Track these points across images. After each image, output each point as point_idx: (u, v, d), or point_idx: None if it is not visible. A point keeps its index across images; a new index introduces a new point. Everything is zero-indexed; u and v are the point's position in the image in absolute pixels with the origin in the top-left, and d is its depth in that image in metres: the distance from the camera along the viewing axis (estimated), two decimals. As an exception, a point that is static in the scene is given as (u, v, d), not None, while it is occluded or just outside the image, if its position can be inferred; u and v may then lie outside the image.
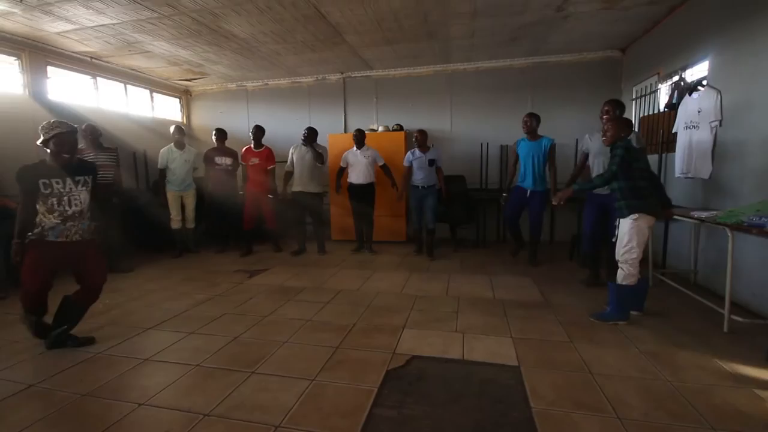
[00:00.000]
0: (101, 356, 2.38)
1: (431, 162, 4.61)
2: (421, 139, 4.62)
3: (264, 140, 5.15)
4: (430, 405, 1.83)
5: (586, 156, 3.67)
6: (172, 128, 5.00)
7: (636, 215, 2.59)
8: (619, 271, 2.69)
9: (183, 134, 5.03)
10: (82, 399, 1.92)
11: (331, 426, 1.68)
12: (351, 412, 1.77)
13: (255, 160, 5.02)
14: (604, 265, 3.52)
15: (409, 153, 4.75)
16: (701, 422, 1.68)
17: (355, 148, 4.93)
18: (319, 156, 4.80)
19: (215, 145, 5.25)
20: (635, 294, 2.73)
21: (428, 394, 1.91)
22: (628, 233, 2.62)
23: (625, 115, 5.13)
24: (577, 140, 5.12)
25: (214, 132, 5.32)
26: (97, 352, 2.42)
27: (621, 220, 2.69)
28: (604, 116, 3.39)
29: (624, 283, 2.67)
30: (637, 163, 2.62)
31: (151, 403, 1.88)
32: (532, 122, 4.16)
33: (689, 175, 3.46)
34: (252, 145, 5.08)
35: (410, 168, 4.68)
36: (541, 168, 4.15)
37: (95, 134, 4.23)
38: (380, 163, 4.92)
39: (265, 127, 5.23)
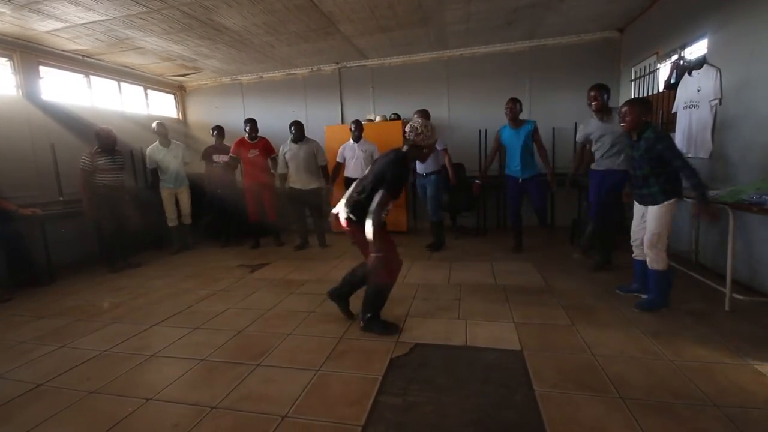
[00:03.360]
0: (108, 354, 2.40)
1: None
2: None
3: (261, 133, 5.11)
4: (434, 391, 1.85)
5: (583, 145, 3.65)
6: (153, 125, 4.90)
7: (672, 200, 2.51)
8: (649, 259, 2.61)
9: (165, 129, 4.92)
10: (90, 396, 1.95)
11: (337, 415, 1.70)
12: (356, 401, 1.79)
13: (254, 152, 4.89)
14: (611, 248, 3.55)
15: None
16: (704, 400, 1.70)
17: (352, 141, 4.83)
18: (322, 158, 4.80)
19: (213, 143, 5.29)
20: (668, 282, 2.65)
21: (432, 381, 1.93)
22: (661, 219, 2.53)
23: (624, 97, 5.15)
24: (576, 123, 5.08)
25: (211, 130, 5.31)
26: (103, 350, 2.44)
27: (651, 207, 2.59)
28: (593, 102, 3.37)
29: (659, 268, 2.58)
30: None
31: (159, 398, 1.90)
32: (515, 107, 4.03)
33: (689, 155, 3.44)
34: (246, 138, 4.93)
35: None
36: (528, 154, 4.08)
37: (111, 138, 4.26)
38: (375, 157, 4.83)
39: (261, 120, 5.20)
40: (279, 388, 1.93)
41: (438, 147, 4.48)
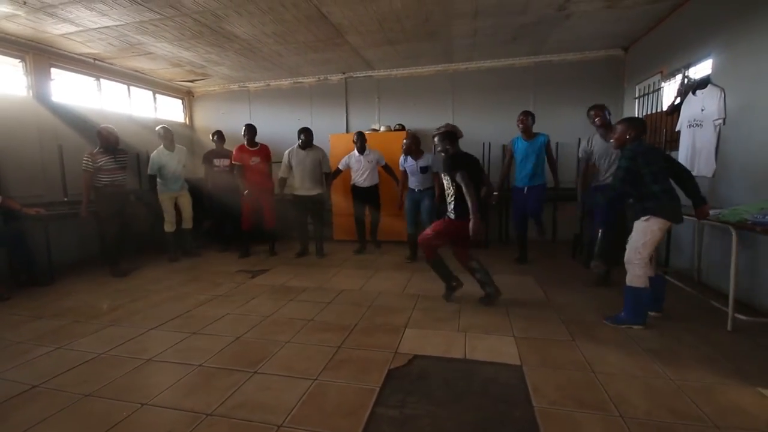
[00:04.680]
0: (105, 356, 2.39)
1: (423, 169, 4.37)
2: (409, 147, 4.35)
3: (267, 141, 5.15)
4: (432, 404, 1.83)
5: (586, 161, 3.70)
6: (158, 129, 4.82)
7: (647, 217, 2.52)
8: (627, 273, 2.61)
9: (171, 134, 4.87)
10: (86, 399, 1.93)
11: (333, 425, 1.68)
12: (353, 412, 1.77)
13: (256, 159, 4.87)
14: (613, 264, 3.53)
15: (401, 158, 4.56)
16: (704, 421, 1.67)
17: (357, 153, 4.85)
18: (327, 165, 4.81)
19: (214, 147, 5.34)
20: (651, 296, 2.61)
21: (430, 394, 1.91)
22: (637, 233, 2.57)
23: (627, 114, 5.17)
24: (579, 139, 5.09)
25: (212, 135, 5.35)
26: (100, 353, 2.43)
27: (635, 222, 2.61)
28: (596, 119, 3.53)
29: (632, 285, 2.56)
30: (648, 167, 2.49)
31: (154, 403, 1.89)
32: (527, 120, 4.10)
33: (693, 174, 3.44)
34: (246, 144, 4.86)
35: (404, 172, 4.56)
36: (539, 166, 4.13)
37: (113, 137, 4.25)
38: (382, 164, 4.89)
39: (267, 127, 5.25)
40: (275, 397, 1.91)
41: (434, 169, 4.40)
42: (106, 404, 1.89)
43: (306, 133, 4.70)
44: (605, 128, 3.48)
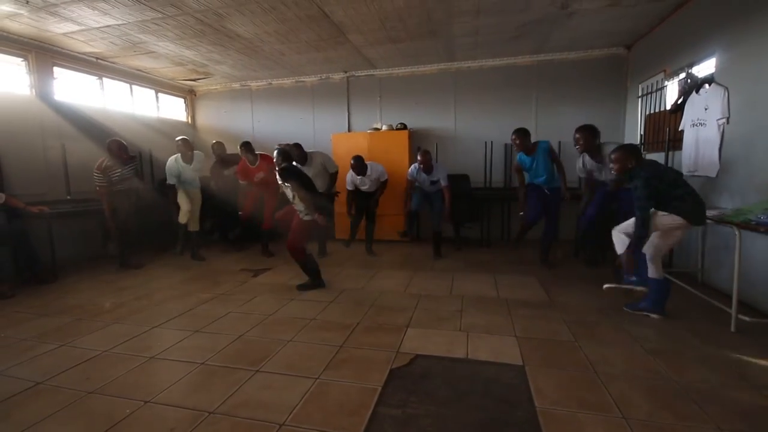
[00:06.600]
0: (108, 354, 2.40)
1: (434, 182, 4.51)
2: (423, 161, 4.41)
3: (268, 140, 5.14)
4: (434, 404, 1.83)
5: (591, 173, 3.69)
6: (177, 140, 4.71)
7: (663, 213, 2.60)
8: (649, 268, 2.73)
9: (190, 147, 4.79)
10: (89, 396, 1.94)
11: (335, 424, 1.68)
12: (355, 411, 1.77)
13: (261, 175, 4.79)
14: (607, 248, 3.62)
15: (413, 167, 4.58)
16: (707, 422, 1.66)
17: (357, 176, 4.72)
18: (332, 165, 4.82)
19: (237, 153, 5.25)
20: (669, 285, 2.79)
21: (432, 393, 1.91)
22: (658, 233, 2.68)
23: (630, 113, 5.15)
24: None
25: (240, 146, 4.99)
26: (103, 350, 2.44)
27: (658, 214, 2.69)
28: (576, 146, 3.54)
29: (655, 277, 2.72)
30: (663, 182, 2.57)
31: (157, 400, 1.90)
32: (523, 141, 3.97)
33: (696, 174, 3.43)
34: (248, 163, 4.79)
35: (412, 181, 4.62)
36: (549, 170, 4.03)
37: (122, 153, 4.27)
38: (383, 179, 4.80)
39: (269, 126, 5.22)
40: (277, 395, 1.91)
41: (442, 183, 4.49)
42: (109, 401, 1.90)
43: (293, 153, 4.21)
44: (589, 152, 3.51)
